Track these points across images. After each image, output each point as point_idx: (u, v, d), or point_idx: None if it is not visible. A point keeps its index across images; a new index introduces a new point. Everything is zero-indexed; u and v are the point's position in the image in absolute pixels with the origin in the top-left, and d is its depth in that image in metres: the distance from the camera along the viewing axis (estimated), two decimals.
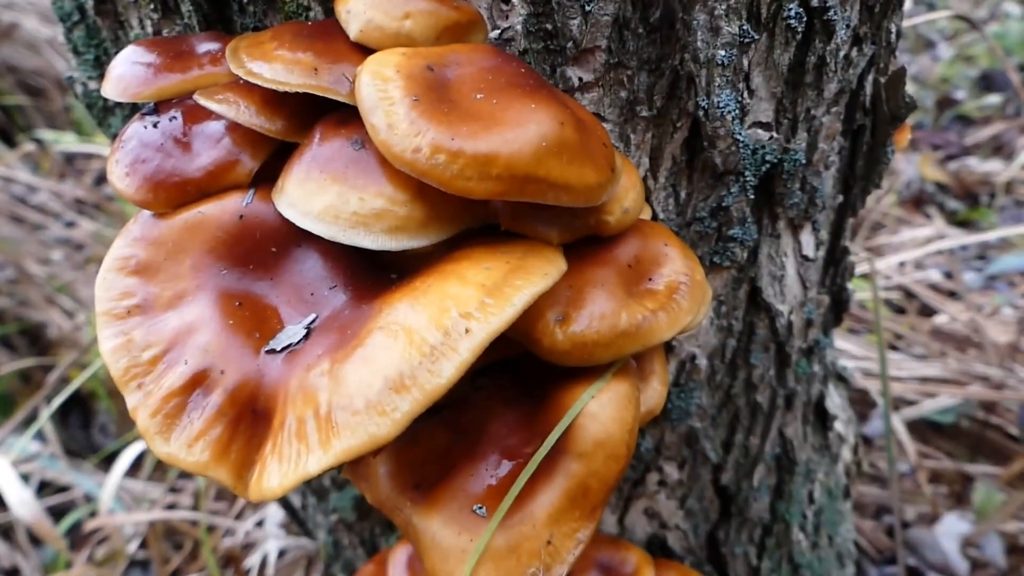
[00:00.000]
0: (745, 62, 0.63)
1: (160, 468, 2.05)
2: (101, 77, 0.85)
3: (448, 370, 0.45)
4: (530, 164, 0.48)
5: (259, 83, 0.51)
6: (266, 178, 0.57)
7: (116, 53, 0.81)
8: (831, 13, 0.63)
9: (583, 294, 0.56)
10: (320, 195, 0.51)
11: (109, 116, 0.89)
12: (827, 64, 0.66)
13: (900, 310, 2.56)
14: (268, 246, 0.57)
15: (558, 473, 0.55)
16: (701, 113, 0.63)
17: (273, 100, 0.54)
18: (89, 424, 2.56)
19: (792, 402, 0.92)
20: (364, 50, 0.53)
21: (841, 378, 1.17)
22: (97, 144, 3.41)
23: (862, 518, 2.04)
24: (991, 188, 3.57)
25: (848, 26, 0.66)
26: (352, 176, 0.51)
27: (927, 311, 2.61)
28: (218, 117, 0.57)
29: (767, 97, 0.66)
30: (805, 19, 0.62)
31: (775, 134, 0.68)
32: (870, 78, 0.75)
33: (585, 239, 0.58)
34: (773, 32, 0.63)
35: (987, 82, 4.41)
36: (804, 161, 0.71)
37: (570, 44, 0.59)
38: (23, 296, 2.85)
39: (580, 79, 0.61)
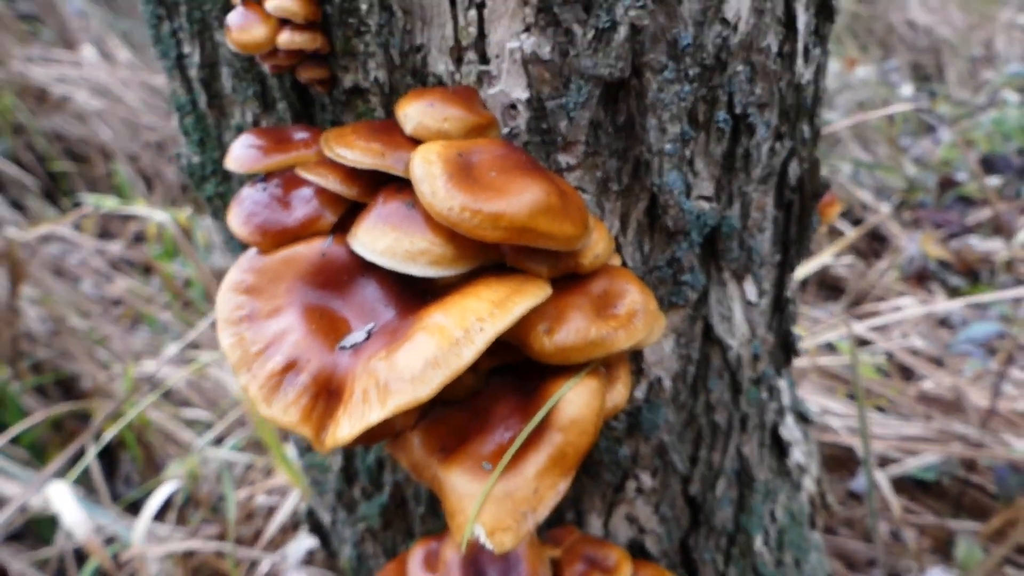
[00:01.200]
0: (688, 152, 0.86)
1: (184, 514, 2.23)
2: (203, 154, 1.10)
3: (468, 354, 0.67)
4: (525, 219, 0.71)
5: (343, 162, 0.75)
6: (341, 228, 0.81)
7: (218, 136, 1.07)
8: (751, 118, 0.87)
9: (564, 314, 0.78)
10: (382, 238, 0.74)
11: (205, 183, 1.13)
12: (751, 155, 0.90)
13: (889, 375, 2.73)
14: (342, 276, 0.80)
15: (544, 442, 0.76)
16: (656, 189, 0.86)
17: (351, 174, 0.78)
18: (114, 473, 2.73)
19: (746, 424, 1.12)
20: (415, 141, 0.77)
21: (803, 416, 1.37)
22: (135, 208, 3.65)
23: (853, 573, 2.18)
24: (992, 266, 3.75)
25: (769, 126, 0.90)
26: (405, 226, 0.74)
27: (914, 376, 2.78)
28: (309, 184, 0.82)
29: (708, 177, 0.90)
30: (732, 122, 0.86)
31: (715, 204, 0.91)
32: (794, 165, 0.98)
33: (567, 276, 0.81)
34: (708, 130, 0.86)
35: (987, 164, 4.65)
36: (739, 226, 0.93)
37: (559, 138, 0.83)
38: (62, 347, 3.04)
39: (567, 163, 0.84)
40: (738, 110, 0.86)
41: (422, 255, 0.74)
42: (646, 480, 1.11)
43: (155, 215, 3.13)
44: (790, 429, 1.26)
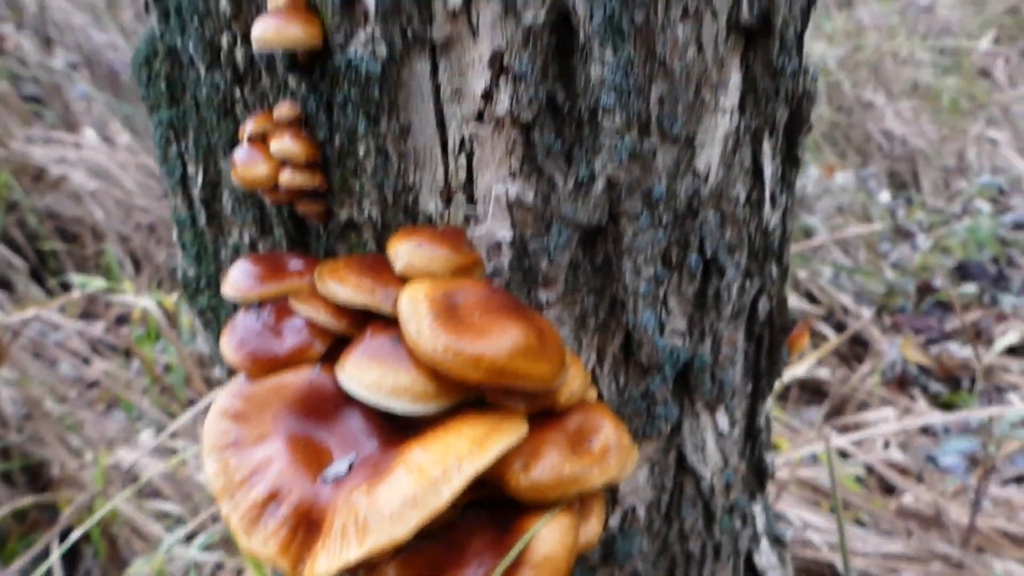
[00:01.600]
0: (661, 292, 0.91)
1: None
2: (198, 268, 1.14)
3: (446, 494, 0.69)
4: (505, 361, 0.75)
5: (335, 300, 0.79)
6: (330, 357, 0.84)
7: (214, 252, 1.11)
8: (721, 261, 0.92)
9: (539, 450, 0.81)
10: (368, 373, 0.77)
11: (199, 295, 1.17)
12: (722, 295, 0.95)
13: (869, 488, 2.73)
14: (327, 405, 0.83)
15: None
16: (631, 327, 0.91)
17: (341, 308, 0.82)
18: (75, 568, 2.64)
19: (719, 552, 1.14)
20: (405, 279, 0.81)
21: (778, 540, 1.38)
22: (121, 291, 3.64)
23: None
24: (971, 373, 3.79)
25: (739, 267, 0.95)
26: (390, 362, 0.78)
27: (896, 490, 2.78)
28: (295, 310, 0.85)
29: (680, 315, 0.94)
30: (703, 265, 0.91)
31: (687, 341, 0.95)
32: (763, 301, 1.03)
33: (544, 412, 0.84)
34: (681, 272, 0.91)
35: (963, 271, 4.76)
36: (711, 360, 0.97)
37: (540, 276, 0.87)
38: (34, 432, 2.99)
39: (547, 299, 0.89)
40: (709, 253, 0.91)
41: (406, 391, 0.77)
42: None
43: (139, 301, 3.15)
44: (765, 555, 1.27)
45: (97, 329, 3.93)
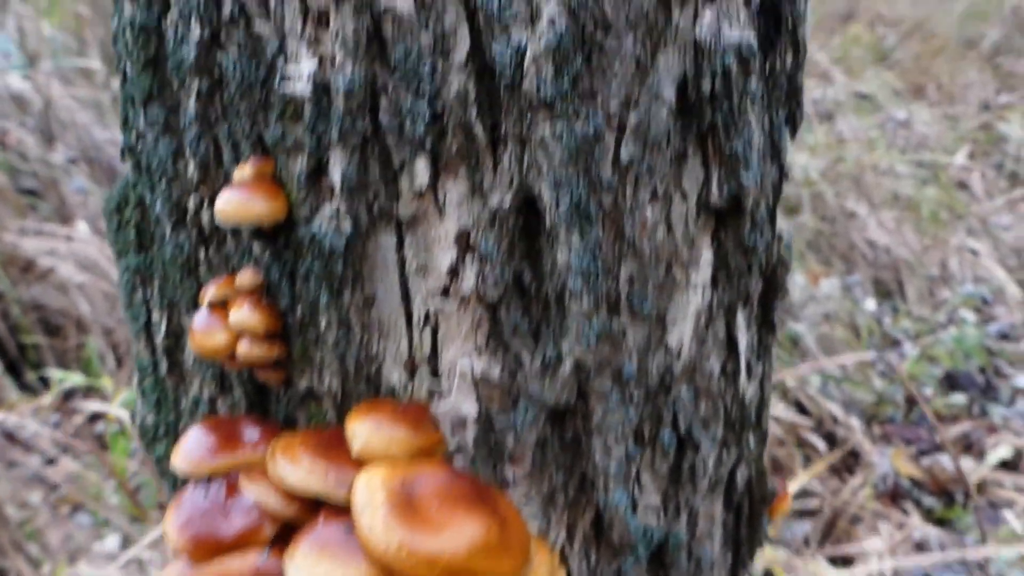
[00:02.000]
0: (633, 469, 0.87)
1: None
2: (157, 415, 1.10)
3: None
4: (463, 560, 0.71)
5: (301, 491, 0.75)
6: (280, 540, 0.79)
7: (174, 401, 1.07)
8: (696, 436, 0.89)
9: None
10: (317, 566, 0.73)
11: (156, 443, 1.12)
12: (697, 468, 0.91)
13: None
14: None
15: None
16: (601, 506, 0.86)
17: (290, 497, 0.78)
18: None
19: None
20: (362, 460, 0.78)
21: None
22: (99, 385, 3.57)
23: None
24: (964, 486, 3.71)
25: (714, 441, 0.92)
26: (341, 556, 0.73)
27: None
28: (247, 486, 0.81)
29: (654, 491, 0.90)
30: (676, 441, 0.88)
31: (661, 518, 0.91)
32: (742, 470, 0.99)
33: None
34: (654, 448, 0.88)
35: (951, 381, 4.73)
36: (686, 538, 0.93)
37: (506, 453, 0.84)
38: None
39: (513, 476, 0.85)
40: (683, 429, 0.88)
41: None
42: None
43: (111, 408, 3.08)
44: None
45: (69, 428, 3.84)
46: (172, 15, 0.84)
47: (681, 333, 0.85)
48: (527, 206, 0.76)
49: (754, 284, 0.90)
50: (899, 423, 4.55)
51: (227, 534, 0.79)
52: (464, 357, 0.82)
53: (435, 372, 0.83)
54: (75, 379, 3.83)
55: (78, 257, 5.04)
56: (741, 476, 0.99)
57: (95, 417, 4.12)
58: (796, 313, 5.59)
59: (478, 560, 0.71)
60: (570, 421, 0.85)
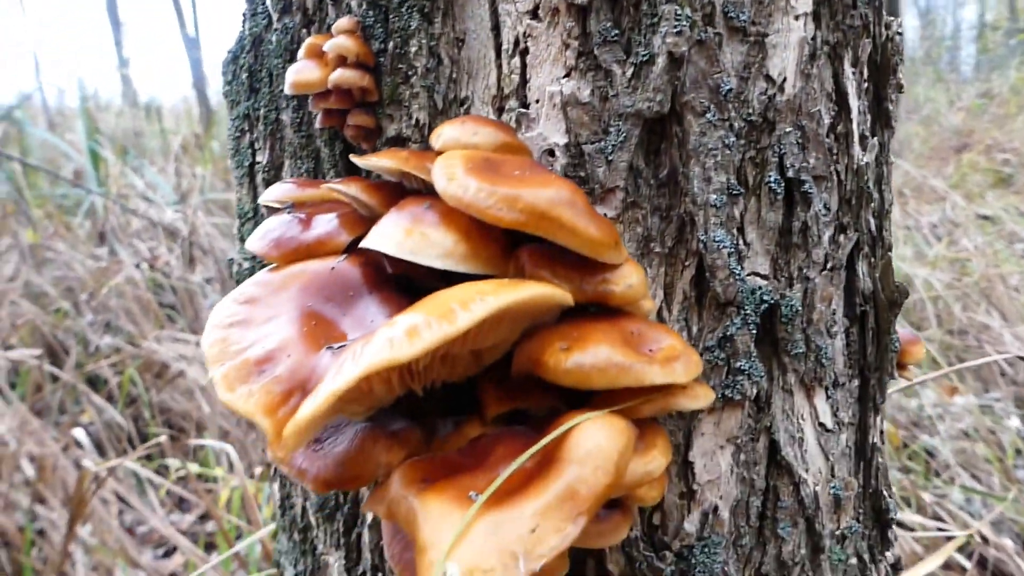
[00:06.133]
0: (737, 212, 0.80)
1: None
2: (254, 261, 1.11)
3: (463, 321, 0.57)
4: (545, 207, 0.65)
5: (375, 167, 0.73)
6: (354, 248, 0.76)
7: None
8: (806, 187, 0.81)
9: (587, 336, 0.67)
10: (395, 232, 0.69)
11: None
12: (810, 228, 0.82)
13: None
14: (347, 291, 0.73)
15: (551, 475, 0.60)
16: (702, 246, 0.79)
17: (373, 185, 0.76)
18: None
19: None
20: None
21: None
22: (215, 474, 3.62)
23: None
24: None
25: (828, 207, 0.84)
26: (421, 223, 0.69)
27: None
28: (329, 209, 0.79)
29: (762, 252, 0.82)
30: (784, 185, 0.81)
31: (771, 281, 0.81)
32: (863, 268, 0.89)
33: (596, 308, 0.71)
34: (759, 195, 0.81)
35: None
36: (801, 309, 0.82)
37: (597, 186, 0.79)
38: None
39: (605, 215, 0.79)
40: (790, 173, 0.81)
41: (434, 247, 0.67)
42: None
43: (227, 484, 3.10)
44: None
45: (184, 521, 3.87)
46: None
47: (783, 62, 0.80)
48: None
49: (862, 40, 0.85)
50: None
51: (306, 238, 0.77)
52: (553, 82, 0.80)
53: (524, 103, 0.81)
54: (192, 468, 3.91)
55: (202, 359, 5.31)
56: (863, 271, 0.89)
57: (203, 519, 4.15)
58: (929, 427, 5.11)
59: (561, 211, 0.65)
60: (665, 153, 0.79)
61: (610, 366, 0.65)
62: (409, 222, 0.69)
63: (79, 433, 3.64)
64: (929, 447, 4.69)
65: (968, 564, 3.58)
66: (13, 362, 4.12)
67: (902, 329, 0.98)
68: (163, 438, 3.18)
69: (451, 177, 0.67)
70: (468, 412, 0.74)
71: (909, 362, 0.98)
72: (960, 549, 3.99)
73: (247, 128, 1.09)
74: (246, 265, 1.11)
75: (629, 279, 0.71)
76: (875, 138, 0.88)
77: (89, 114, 6.66)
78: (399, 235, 0.68)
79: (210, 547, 3.64)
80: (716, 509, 0.83)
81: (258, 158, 1.08)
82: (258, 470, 3.76)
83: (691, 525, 0.83)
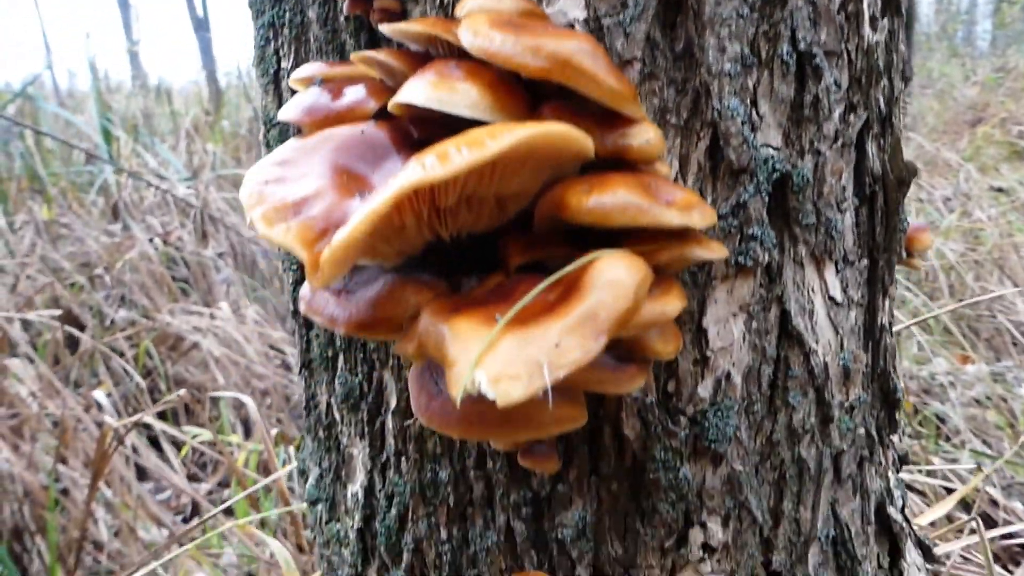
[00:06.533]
0: (750, 84, 0.83)
1: None
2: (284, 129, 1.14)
3: (492, 147, 0.61)
4: (569, 55, 0.69)
5: (403, 31, 0.77)
6: (381, 115, 0.80)
7: None
8: (817, 60, 0.84)
9: (608, 182, 0.71)
10: (427, 85, 0.72)
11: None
12: (821, 101, 0.85)
13: None
14: (376, 152, 0.77)
15: (573, 300, 0.64)
16: (716, 115, 0.82)
17: (402, 53, 0.80)
18: None
19: (840, 470, 0.91)
20: None
21: (922, 544, 1.11)
22: (223, 440, 3.66)
23: None
24: None
25: (839, 84, 0.86)
26: (448, 78, 0.72)
27: None
28: (358, 81, 0.83)
29: (774, 125, 0.85)
30: (796, 58, 0.83)
31: (783, 151, 0.84)
32: (873, 148, 0.92)
33: (615, 162, 0.74)
34: (772, 68, 0.83)
35: None
36: (812, 180, 0.85)
37: (616, 58, 0.82)
38: (121, 560, 2.89)
39: None
40: (802, 47, 0.83)
41: (462, 97, 0.71)
42: (715, 530, 0.89)
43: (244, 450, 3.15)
44: (898, 513, 1.01)
45: (202, 489, 3.94)
46: None
47: None
48: None
49: None
50: None
51: (336, 106, 0.80)
52: None
53: None
54: (205, 435, 3.97)
55: (218, 333, 5.38)
56: (872, 151, 0.92)
57: (223, 485, 4.22)
58: (940, 395, 5.12)
59: (583, 59, 0.69)
60: (681, 26, 0.82)
61: (629, 205, 0.68)
62: (437, 76, 0.73)
63: (99, 394, 3.71)
64: (940, 413, 4.70)
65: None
66: (31, 334, 4.16)
67: (914, 221, 1.01)
68: (182, 392, 3.23)
69: (477, 32, 0.71)
70: (491, 272, 0.78)
71: (917, 249, 1.00)
72: (966, 508, 4.02)
73: (271, 36, 1.12)
74: (274, 132, 1.15)
75: (647, 134, 0.74)
76: (884, 19, 0.91)
77: (100, 94, 6.71)
78: (427, 88, 0.72)
79: (228, 513, 3.71)
80: (729, 375, 0.87)
81: (283, 64, 1.11)
82: (274, 431, 3.83)
83: (704, 391, 0.87)
